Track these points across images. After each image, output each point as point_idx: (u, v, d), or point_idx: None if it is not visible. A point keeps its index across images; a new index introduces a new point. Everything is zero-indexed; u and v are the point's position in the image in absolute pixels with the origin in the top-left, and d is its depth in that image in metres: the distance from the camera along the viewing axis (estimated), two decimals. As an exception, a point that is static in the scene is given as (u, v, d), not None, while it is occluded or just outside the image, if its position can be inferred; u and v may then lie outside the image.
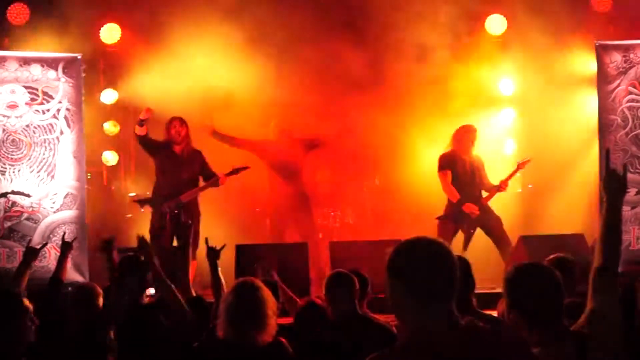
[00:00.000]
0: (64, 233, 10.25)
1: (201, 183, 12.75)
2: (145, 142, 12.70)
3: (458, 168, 12.37)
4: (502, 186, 12.41)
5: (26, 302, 5.59)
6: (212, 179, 12.59)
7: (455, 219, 12.33)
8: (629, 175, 12.45)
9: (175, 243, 12.34)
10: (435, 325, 3.52)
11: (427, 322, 3.53)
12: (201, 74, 13.92)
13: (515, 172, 12.53)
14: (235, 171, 12.55)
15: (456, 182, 12.35)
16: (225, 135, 13.76)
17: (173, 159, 12.57)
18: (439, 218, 12.47)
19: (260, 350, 5.83)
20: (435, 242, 3.65)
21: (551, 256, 6.44)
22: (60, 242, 8.80)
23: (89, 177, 13.56)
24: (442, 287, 3.57)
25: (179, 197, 12.42)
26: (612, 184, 4.52)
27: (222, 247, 7.97)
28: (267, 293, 5.97)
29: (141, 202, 12.78)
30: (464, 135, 12.45)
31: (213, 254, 7.83)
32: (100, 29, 14.07)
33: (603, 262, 4.46)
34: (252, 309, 5.85)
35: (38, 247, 8.49)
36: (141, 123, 12.52)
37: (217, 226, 12.52)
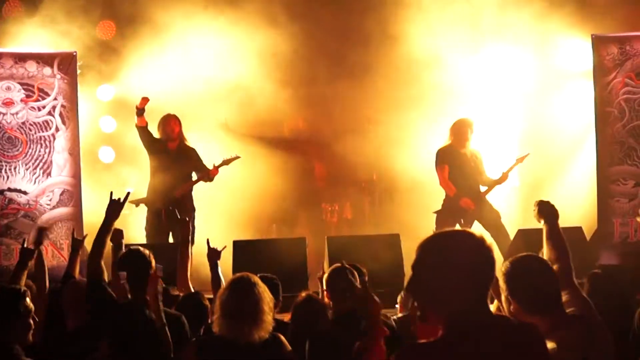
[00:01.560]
0: (73, 230, 10.13)
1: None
2: (145, 134, 12.57)
3: (455, 162, 12.31)
4: (502, 178, 12.33)
5: (29, 301, 5.59)
6: (205, 172, 12.53)
7: (453, 213, 12.29)
8: (627, 167, 12.64)
9: (171, 239, 12.36)
10: (475, 316, 3.55)
11: (469, 313, 3.55)
12: (198, 68, 13.90)
13: (514, 166, 12.46)
14: (225, 162, 12.53)
15: (454, 176, 12.29)
16: (237, 131, 13.86)
17: (167, 156, 12.51)
18: (436, 212, 12.43)
19: (257, 346, 5.80)
20: (478, 236, 3.67)
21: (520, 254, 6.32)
22: (57, 239, 8.82)
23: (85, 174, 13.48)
24: (486, 280, 3.61)
25: (173, 192, 12.39)
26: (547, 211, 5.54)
27: (223, 248, 7.99)
28: (263, 289, 5.94)
29: (136, 201, 12.72)
30: (461, 129, 12.38)
31: (214, 254, 7.85)
32: (96, 25, 14.01)
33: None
34: (248, 304, 5.82)
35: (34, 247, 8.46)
36: (140, 113, 12.43)
37: (215, 222, 12.52)
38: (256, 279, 6.00)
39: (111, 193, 6.96)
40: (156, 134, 12.63)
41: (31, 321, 5.52)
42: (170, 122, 12.53)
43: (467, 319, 3.53)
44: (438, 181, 12.43)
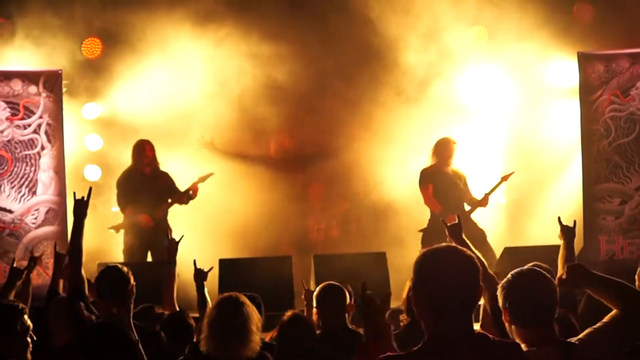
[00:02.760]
0: (55, 243, 10.03)
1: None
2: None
3: (439, 182, 12.31)
4: (483, 201, 12.36)
5: (27, 319, 5.55)
6: (180, 194, 12.82)
7: (438, 231, 12.25)
8: (613, 185, 12.64)
9: (149, 258, 12.47)
10: (451, 334, 3.58)
11: (443, 330, 3.59)
12: (184, 85, 13.89)
13: (498, 184, 12.47)
14: (201, 179, 12.87)
15: (438, 195, 12.30)
16: (223, 150, 13.89)
17: (142, 181, 12.81)
18: (422, 231, 12.42)
19: None
20: (459, 252, 3.71)
21: (528, 265, 6.40)
22: (42, 258, 8.81)
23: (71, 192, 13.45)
24: (460, 297, 3.63)
25: (153, 214, 12.65)
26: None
27: (210, 270, 7.97)
28: (251, 308, 5.93)
29: (116, 227, 12.94)
30: (444, 148, 12.41)
31: (200, 275, 7.81)
32: (81, 43, 13.98)
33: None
34: (236, 324, 5.80)
35: (22, 267, 8.45)
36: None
37: (200, 240, 12.48)
38: (244, 298, 5.99)
39: (74, 194, 6.99)
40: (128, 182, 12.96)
41: (29, 339, 5.48)
42: (145, 149, 12.83)
43: (446, 334, 3.57)
44: (423, 200, 12.44)
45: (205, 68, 13.76)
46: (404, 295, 7.34)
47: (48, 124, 12.66)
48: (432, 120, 13.74)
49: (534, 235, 13.11)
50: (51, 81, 12.74)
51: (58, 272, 8.44)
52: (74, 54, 13.58)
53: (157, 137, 13.38)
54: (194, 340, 6.80)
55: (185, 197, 12.77)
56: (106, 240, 13.34)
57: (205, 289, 7.71)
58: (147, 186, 12.73)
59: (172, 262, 8.37)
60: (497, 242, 12.50)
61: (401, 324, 7.88)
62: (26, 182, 12.57)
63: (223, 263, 11.43)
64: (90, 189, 7.10)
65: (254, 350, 5.84)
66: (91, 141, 14.40)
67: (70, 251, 6.73)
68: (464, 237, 6.48)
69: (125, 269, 6.78)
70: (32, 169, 12.60)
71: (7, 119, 12.56)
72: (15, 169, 12.55)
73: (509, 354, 3.69)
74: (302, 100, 14.25)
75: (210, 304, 7.24)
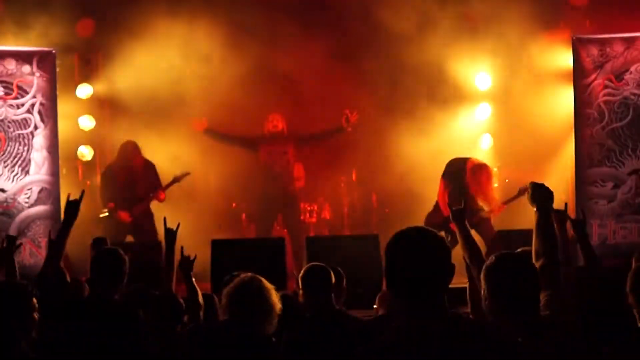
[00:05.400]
0: (50, 232, 10.00)
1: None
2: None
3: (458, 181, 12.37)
4: (498, 210, 12.47)
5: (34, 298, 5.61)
6: (152, 194, 13.28)
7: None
8: (606, 169, 12.62)
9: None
10: (422, 316, 3.53)
11: (415, 313, 3.54)
12: (178, 67, 13.89)
13: (515, 197, 12.48)
14: (176, 179, 13.25)
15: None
16: (218, 132, 13.91)
17: (123, 180, 13.27)
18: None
19: (265, 339, 5.97)
20: (422, 232, 3.65)
21: (518, 250, 6.43)
22: (35, 237, 8.83)
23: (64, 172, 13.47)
24: (430, 277, 3.56)
25: (132, 210, 13.20)
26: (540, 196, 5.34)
27: (195, 258, 7.83)
28: (269, 285, 6.09)
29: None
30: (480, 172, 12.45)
31: (186, 263, 7.66)
32: (75, 23, 13.95)
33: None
34: (262, 298, 5.99)
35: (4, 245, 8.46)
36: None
37: (193, 221, 12.49)
38: (260, 277, 6.15)
39: (68, 195, 7.16)
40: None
41: (36, 316, 5.54)
42: (129, 151, 13.32)
43: (418, 316, 3.53)
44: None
45: (199, 48, 13.77)
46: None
47: (41, 104, 12.64)
48: (427, 104, 13.77)
49: (526, 219, 13.07)
50: (44, 61, 12.70)
51: (50, 257, 8.47)
52: (67, 34, 13.56)
53: (150, 117, 13.42)
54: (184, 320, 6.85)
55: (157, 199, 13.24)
56: (95, 217, 13.37)
57: (193, 279, 7.50)
58: (128, 184, 13.20)
59: (170, 250, 8.34)
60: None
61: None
62: (19, 162, 12.56)
63: (216, 244, 11.44)
64: (83, 192, 7.28)
65: (275, 324, 6.02)
66: (84, 121, 14.40)
67: (54, 245, 6.89)
68: (466, 223, 6.42)
69: (120, 251, 6.86)
70: (25, 148, 12.59)
71: (0, 98, 12.54)
72: (9, 149, 12.54)
73: (487, 334, 3.63)
74: (295, 81, 14.22)
75: (200, 293, 7.22)
